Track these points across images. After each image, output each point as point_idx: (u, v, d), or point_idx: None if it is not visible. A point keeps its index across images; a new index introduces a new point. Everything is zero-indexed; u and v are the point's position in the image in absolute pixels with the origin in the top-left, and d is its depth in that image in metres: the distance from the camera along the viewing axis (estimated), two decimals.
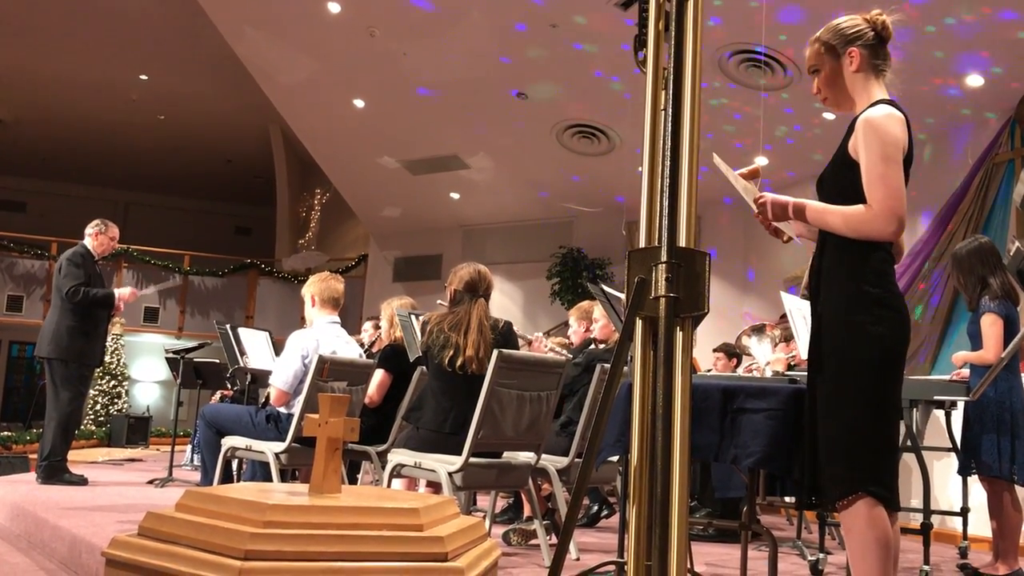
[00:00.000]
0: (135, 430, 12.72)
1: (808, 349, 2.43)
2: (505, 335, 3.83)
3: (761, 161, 9.34)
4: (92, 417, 13.07)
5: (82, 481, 5.76)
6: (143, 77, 14.07)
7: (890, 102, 2.34)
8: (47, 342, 5.82)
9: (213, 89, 14.09)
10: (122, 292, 6.05)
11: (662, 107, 1.85)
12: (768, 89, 8.21)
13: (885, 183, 2.21)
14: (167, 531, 1.57)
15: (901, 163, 2.26)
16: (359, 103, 10.99)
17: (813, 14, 7.28)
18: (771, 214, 2.40)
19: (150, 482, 6.34)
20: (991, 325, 4.07)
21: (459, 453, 3.40)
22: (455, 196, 12.82)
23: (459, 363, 3.64)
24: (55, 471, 5.67)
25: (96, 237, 6.10)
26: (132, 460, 9.40)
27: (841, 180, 2.33)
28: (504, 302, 12.84)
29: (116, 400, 13.40)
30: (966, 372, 4.37)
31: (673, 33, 1.87)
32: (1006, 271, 4.23)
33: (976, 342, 4.22)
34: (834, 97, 2.44)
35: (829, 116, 8.11)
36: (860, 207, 2.24)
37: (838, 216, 2.28)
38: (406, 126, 11.14)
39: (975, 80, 7.70)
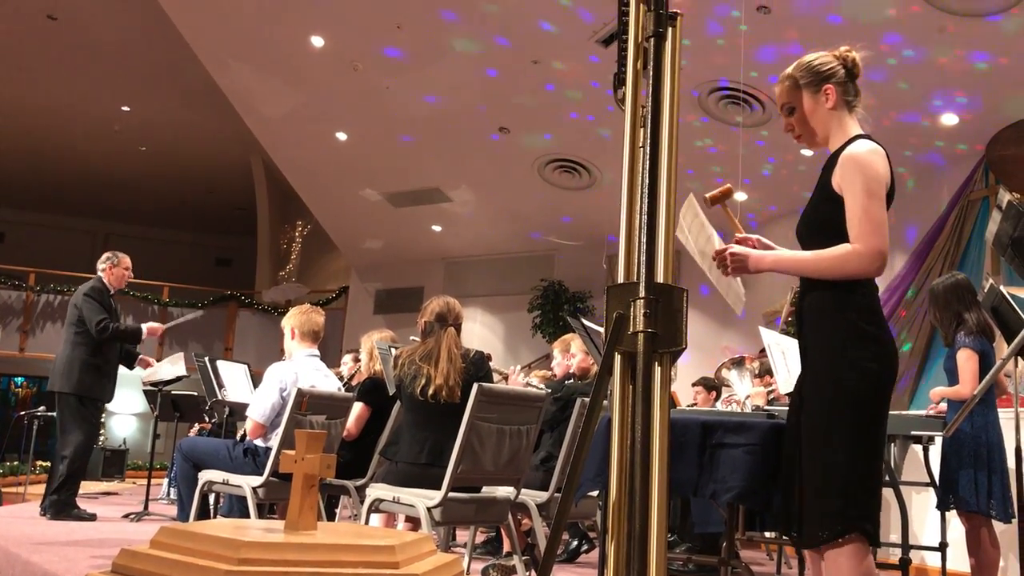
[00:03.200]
0: (111, 463, 12.57)
1: (796, 383, 2.42)
2: (477, 363, 3.83)
3: (740, 196, 9.43)
4: None
5: (91, 517, 5.71)
6: (125, 108, 14.06)
7: (868, 137, 2.37)
8: (59, 376, 5.77)
9: (195, 120, 14.09)
10: (151, 326, 6.04)
11: (640, 144, 1.87)
12: (746, 125, 8.31)
13: (869, 218, 2.23)
14: (141, 568, 1.55)
15: (884, 199, 2.28)
16: (342, 136, 11.03)
17: (792, 52, 7.40)
18: (731, 269, 2.36)
19: (125, 516, 6.25)
20: (967, 361, 4.12)
21: (437, 486, 3.38)
22: (437, 229, 12.84)
23: (431, 392, 3.65)
24: (64, 507, 5.62)
25: (110, 271, 6.04)
26: (107, 494, 9.27)
27: (822, 214, 2.34)
28: (485, 335, 12.83)
29: None
30: (943, 407, 4.41)
31: (651, 72, 1.89)
32: (981, 307, 4.28)
33: (952, 378, 4.25)
34: (808, 134, 2.45)
35: (807, 152, 8.21)
36: (840, 248, 2.25)
37: (820, 262, 2.27)
38: (388, 159, 11.17)
39: (950, 119, 7.82)
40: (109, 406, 14.11)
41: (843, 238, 2.26)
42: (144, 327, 6.01)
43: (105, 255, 6.15)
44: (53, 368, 5.86)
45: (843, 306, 2.27)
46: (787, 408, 2.51)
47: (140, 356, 6.25)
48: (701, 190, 2.61)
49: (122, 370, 6.17)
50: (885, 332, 2.29)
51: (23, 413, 8.98)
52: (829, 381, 2.25)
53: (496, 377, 5.57)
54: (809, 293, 2.36)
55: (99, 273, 6.06)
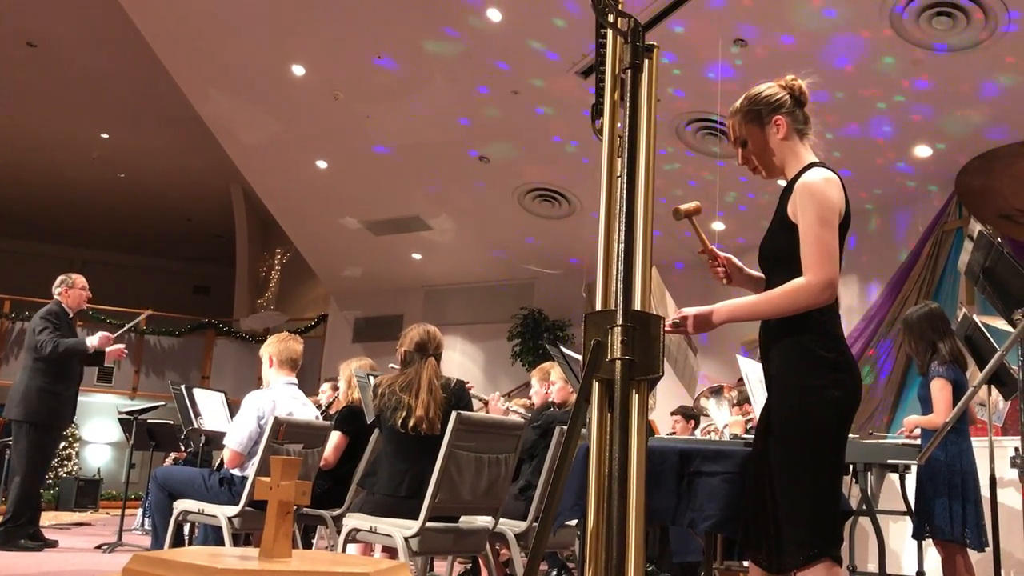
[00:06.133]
0: (84, 493, 12.40)
1: (763, 409, 2.44)
2: (457, 394, 3.82)
3: (718, 226, 9.50)
4: None
5: (40, 548, 5.60)
6: (104, 135, 14.03)
7: (823, 165, 2.38)
8: (16, 403, 5.69)
9: (175, 148, 14.07)
10: (92, 341, 5.83)
11: (618, 174, 1.90)
12: (723, 157, 8.40)
13: (820, 247, 2.24)
14: None
15: (837, 227, 2.29)
16: (322, 164, 11.05)
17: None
18: (692, 329, 2.36)
19: (98, 547, 6.17)
20: (940, 390, 4.15)
21: (415, 517, 3.36)
22: (417, 257, 12.85)
23: (411, 424, 3.63)
24: (12, 536, 5.51)
25: (65, 293, 5.96)
26: (80, 524, 9.14)
27: (780, 243, 2.36)
28: (465, 363, 12.80)
29: (66, 462, 13.06)
30: (916, 432, 4.44)
31: (628, 102, 1.92)
32: (955, 337, 4.32)
33: (927, 406, 4.29)
34: (765, 165, 2.47)
35: (782, 182, 8.29)
36: (790, 284, 2.27)
37: (772, 301, 2.29)
38: (368, 187, 11.20)
39: (923, 151, 7.94)
40: (83, 435, 14.02)
41: (797, 267, 2.28)
42: (89, 340, 5.79)
43: (59, 278, 6.03)
44: (10, 394, 5.78)
45: (802, 333, 2.28)
46: None
47: (85, 350, 5.90)
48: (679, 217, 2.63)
49: (99, 399, 6.10)
50: (845, 357, 2.30)
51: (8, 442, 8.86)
52: (792, 409, 2.26)
53: (476, 404, 5.55)
54: (770, 320, 2.38)
55: (56, 297, 5.97)
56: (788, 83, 2.44)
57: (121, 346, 6.04)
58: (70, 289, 5.97)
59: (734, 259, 2.61)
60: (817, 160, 2.41)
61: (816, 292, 2.24)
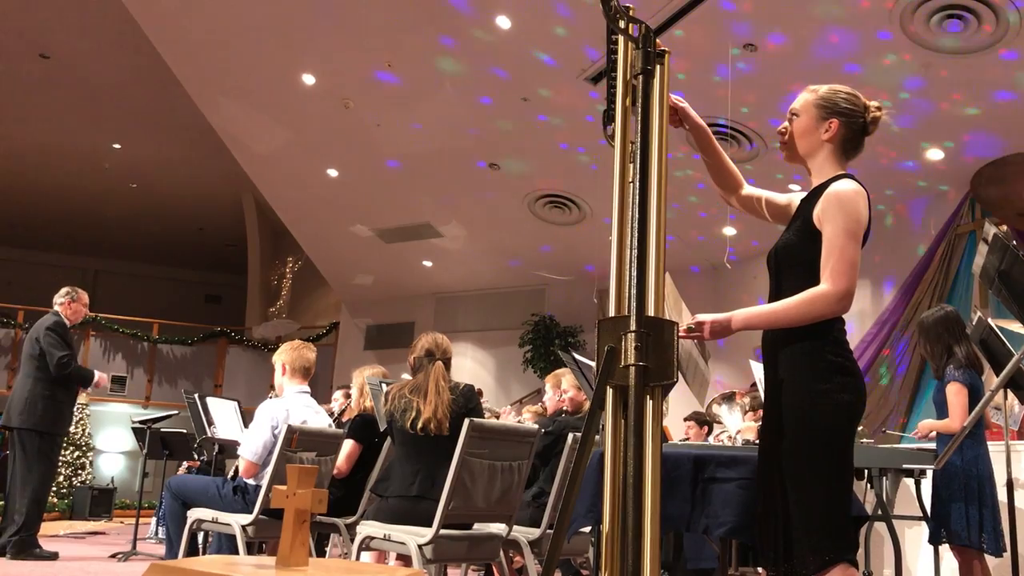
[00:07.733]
0: (99, 502, 12.41)
1: (764, 415, 2.43)
2: (466, 395, 3.83)
3: (729, 231, 9.47)
4: (55, 489, 12.74)
5: (53, 556, 5.61)
6: (116, 146, 14.10)
7: (853, 177, 2.39)
8: (18, 412, 5.71)
9: (186, 158, 14.13)
10: (101, 376, 6.18)
11: (630, 180, 1.90)
12: (732, 161, 8.37)
13: (843, 258, 2.25)
14: None
15: (860, 241, 2.30)
16: (332, 172, 11.08)
17: (776, 88, 7.48)
18: (708, 335, 2.34)
19: (113, 556, 6.18)
20: (956, 394, 4.12)
21: (428, 522, 3.36)
22: (428, 264, 12.86)
23: (420, 425, 3.65)
24: (26, 546, 5.52)
25: (69, 306, 6.04)
26: (95, 533, 9.16)
27: (800, 249, 2.36)
28: (476, 370, 12.80)
29: (80, 471, 13.10)
30: (933, 435, 4.42)
31: (640, 109, 1.92)
32: (970, 340, 4.29)
33: (942, 411, 4.26)
34: (792, 147, 2.48)
35: (793, 187, 8.28)
36: (807, 293, 2.27)
37: (790, 310, 2.28)
38: (379, 195, 11.22)
39: (935, 154, 7.91)
40: (97, 444, 14.07)
41: (817, 275, 2.28)
42: (97, 374, 6.15)
43: (64, 290, 6.14)
44: (9, 403, 5.81)
45: (810, 338, 2.28)
46: None
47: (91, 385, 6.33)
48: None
49: (113, 408, 6.15)
50: (852, 362, 2.31)
51: (8, 453, 8.89)
52: (802, 413, 2.25)
53: (487, 415, 5.55)
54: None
55: (56, 307, 6.03)
56: (872, 109, 2.43)
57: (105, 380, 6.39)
58: (73, 303, 6.08)
59: (705, 127, 2.61)
60: (848, 172, 2.41)
61: (834, 302, 2.25)
